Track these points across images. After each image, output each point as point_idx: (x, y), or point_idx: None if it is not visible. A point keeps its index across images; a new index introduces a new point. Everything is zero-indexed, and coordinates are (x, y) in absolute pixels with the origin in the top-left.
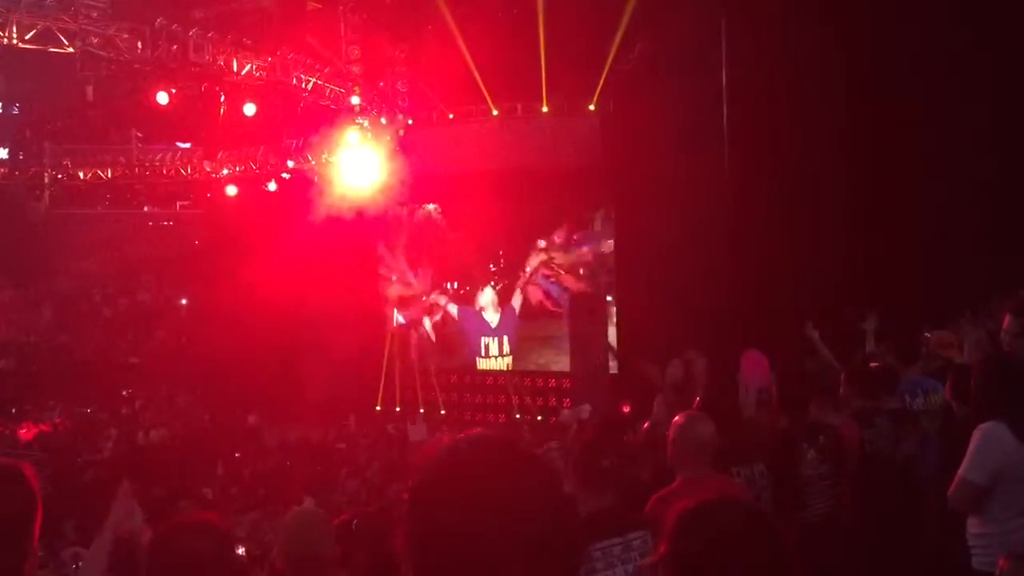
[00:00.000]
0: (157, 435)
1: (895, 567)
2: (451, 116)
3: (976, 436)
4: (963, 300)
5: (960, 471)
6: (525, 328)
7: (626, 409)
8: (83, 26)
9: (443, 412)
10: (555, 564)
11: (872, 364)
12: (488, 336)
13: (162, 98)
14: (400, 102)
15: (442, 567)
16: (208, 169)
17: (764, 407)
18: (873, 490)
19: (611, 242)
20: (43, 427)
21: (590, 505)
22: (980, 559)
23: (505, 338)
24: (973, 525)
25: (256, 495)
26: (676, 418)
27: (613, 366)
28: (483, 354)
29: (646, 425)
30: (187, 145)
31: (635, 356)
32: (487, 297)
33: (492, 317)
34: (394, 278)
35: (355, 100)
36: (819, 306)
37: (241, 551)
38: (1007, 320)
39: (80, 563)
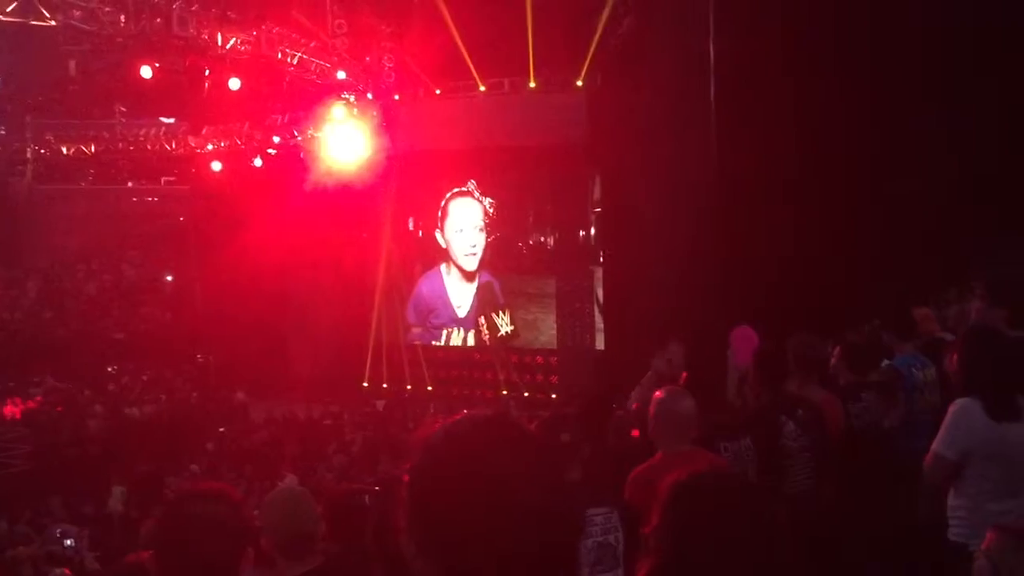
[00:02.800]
0: (144, 411)
1: (878, 539)
2: (438, 92)
3: (950, 410)
4: (948, 276)
5: (933, 445)
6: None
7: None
8: None
9: (430, 388)
10: (554, 541)
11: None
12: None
13: (146, 72)
14: (386, 77)
15: (442, 546)
16: (193, 144)
17: (746, 383)
18: (858, 463)
19: None
20: (29, 404)
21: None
22: (955, 531)
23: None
24: (951, 497)
25: (243, 472)
26: (657, 393)
27: (600, 342)
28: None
29: (635, 405)
30: (171, 120)
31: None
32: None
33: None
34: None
35: (341, 75)
36: (805, 281)
37: None
38: (978, 295)
39: (67, 540)
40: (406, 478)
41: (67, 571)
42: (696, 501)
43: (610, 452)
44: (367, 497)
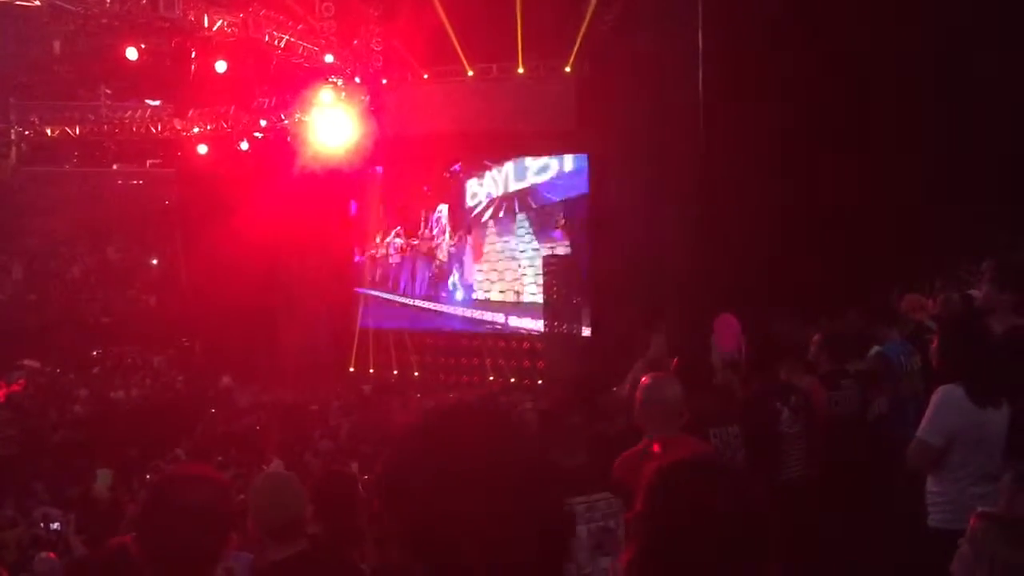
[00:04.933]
0: (129, 395)
1: (862, 524)
2: (425, 76)
3: (934, 397)
4: (935, 262)
5: (917, 431)
6: None
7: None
8: None
9: (416, 374)
10: (533, 531)
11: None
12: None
13: (131, 54)
14: (374, 61)
15: (421, 538)
16: (179, 127)
17: (734, 370)
18: (839, 449)
19: None
20: (13, 388)
21: (560, 463)
22: (936, 517)
23: None
24: (931, 484)
25: (229, 456)
26: (643, 379)
27: (585, 328)
28: None
29: (627, 386)
30: (157, 102)
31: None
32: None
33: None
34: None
35: (329, 59)
36: (791, 268)
37: None
38: (984, 287)
39: (52, 523)
40: (380, 469)
41: (52, 555)
42: (676, 487)
43: (604, 437)
44: (360, 485)
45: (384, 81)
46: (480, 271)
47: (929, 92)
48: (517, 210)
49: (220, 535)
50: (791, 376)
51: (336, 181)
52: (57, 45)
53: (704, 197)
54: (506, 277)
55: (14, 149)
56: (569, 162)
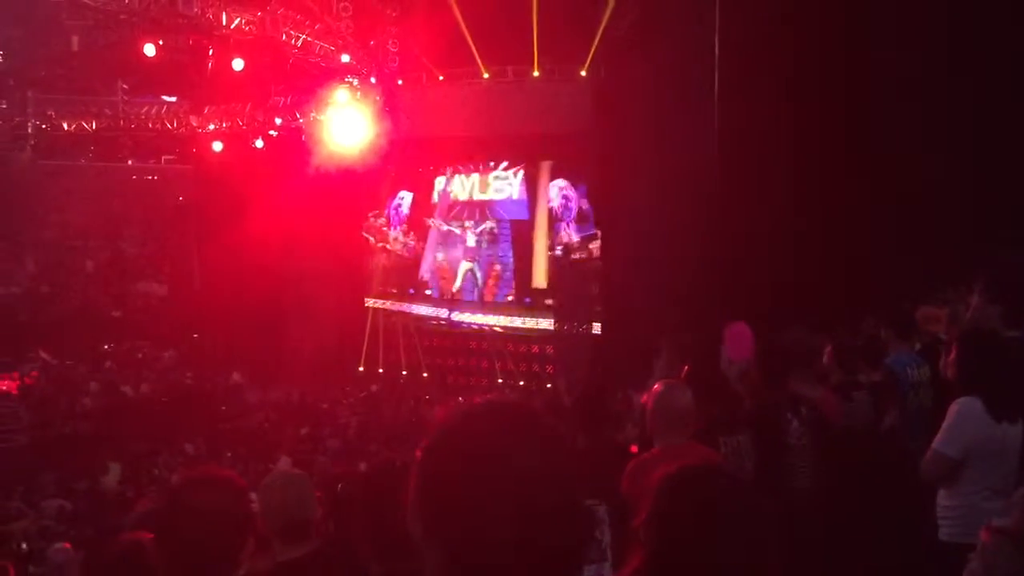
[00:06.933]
0: (139, 390)
1: (871, 537)
2: (441, 78)
3: (951, 410)
4: (949, 273)
5: (933, 443)
6: None
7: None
8: None
9: (425, 375)
10: (560, 537)
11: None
12: None
13: (149, 50)
14: (390, 62)
15: (447, 531)
16: (194, 124)
17: (744, 378)
18: (849, 461)
19: None
20: (25, 380)
21: None
22: (947, 531)
23: None
24: (942, 497)
25: (238, 453)
26: (655, 386)
27: (597, 329)
28: None
29: (644, 398)
30: (173, 99)
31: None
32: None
33: None
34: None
35: (345, 58)
36: (805, 275)
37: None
38: (975, 298)
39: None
40: (418, 456)
41: (67, 544)
42: (682, 494)
43: (608, 444)
44: (340, 485)
45: (400, 82)
46: (429, 266)
47: (946, 95)
48: (479, 218)
49: (238, 538)
50: (800, 386)
51: (350, 180)
52: (75, 40)
53: (719, 201)
54: (458, 273)
55: (30, 142)
56: (518, 190)
